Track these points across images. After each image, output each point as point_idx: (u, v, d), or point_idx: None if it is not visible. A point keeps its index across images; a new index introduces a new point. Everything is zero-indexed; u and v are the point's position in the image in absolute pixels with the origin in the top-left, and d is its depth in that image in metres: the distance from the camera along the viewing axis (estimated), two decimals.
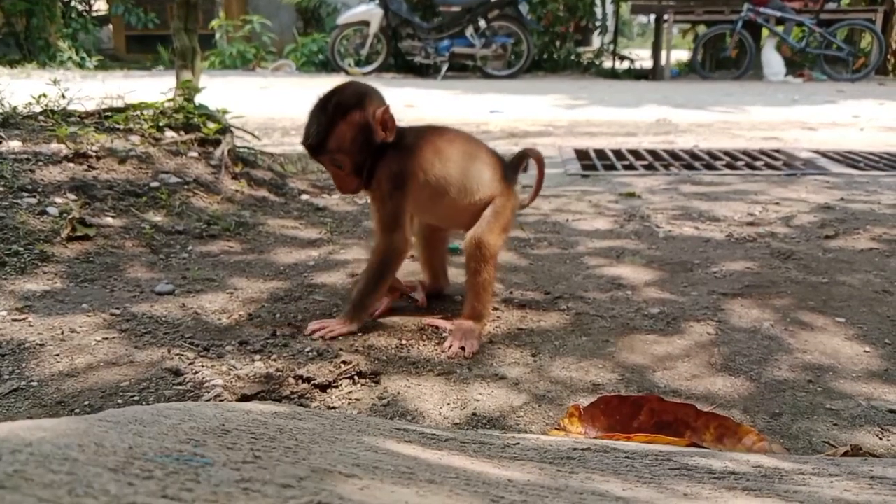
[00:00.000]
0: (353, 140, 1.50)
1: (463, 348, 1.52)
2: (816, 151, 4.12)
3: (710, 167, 3.72)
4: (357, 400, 1.33)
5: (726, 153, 4.09)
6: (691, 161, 3.87)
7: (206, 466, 0.53)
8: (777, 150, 4.18)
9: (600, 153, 4.14)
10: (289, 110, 5.91)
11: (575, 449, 0.88)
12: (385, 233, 1.56)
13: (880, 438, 1.18)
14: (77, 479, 0.46)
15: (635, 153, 4.12)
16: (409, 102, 6.64)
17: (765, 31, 10.06)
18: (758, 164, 3.79)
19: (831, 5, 9.85)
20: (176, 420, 0.67)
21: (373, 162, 1.54)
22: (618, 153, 4.13)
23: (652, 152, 4.13)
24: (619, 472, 0.75)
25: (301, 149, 3.75)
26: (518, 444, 0.89)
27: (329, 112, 1.50)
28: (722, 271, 2.02)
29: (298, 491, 0.51)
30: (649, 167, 3.75)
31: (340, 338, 1.55)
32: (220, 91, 5.97)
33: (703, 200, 2.92)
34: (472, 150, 1.62)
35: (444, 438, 0.86)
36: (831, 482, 0.75)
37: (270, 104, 6.38)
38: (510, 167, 1.68)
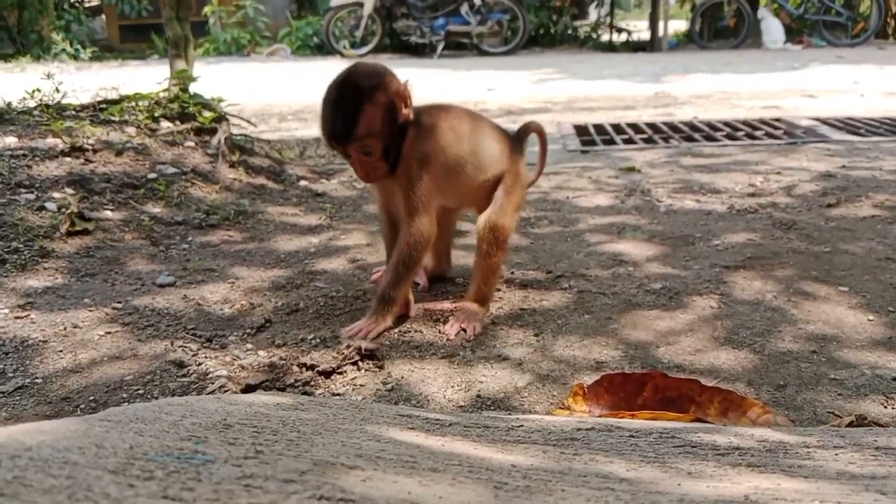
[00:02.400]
0: (382, 122, 1.44)
1: (465, 330, 1.51)
2: (817, 119, 4.09)
3: (710, 139, 3.70)
4: (361, 385, 1.33)
5: (726, 124, 4.06)
6: (691, 133, 3.85)
7: (207, 464, 0.53)
8: (777, 120, 4.15)
9: (599, 128, 4.11)
10: (284, 95, 5.87)
11: (579, 429, 0.88)
12: (414, 218, 1.50)
13: (885, 407, 1.18)
14: (77, 482, 0.45)
15: (635, 127, 4.09)
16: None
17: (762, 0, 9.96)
18: (758, 133, 3.77)
19: None
20: (177, 416, 0.67)
21: (398, 144, 1.48)
22: (617, 127, 4.11)
23: (651, 125, 4.11)
24: (622, 451, 0.75)
25: (298, 134, 3.74)
26: (522, 426, 0.89)
27: (352, 97, 1.42)
28: (724, 244, 2.01)
29: (300, 486, 0.51)
30: (649, 141, 3.73)
31: (380, 335, 1.50)
32: (214, 79, 5.93)
33: (704, 173, 2.90)
34: (480, 126, 1.61)
35: (447, 423, 0.86)
36: (836, 455, 0.75)
37: (266, 89, 6.34)
38: (516, 140, 1.66)
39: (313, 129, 4.00)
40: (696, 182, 2.74)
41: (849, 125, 3.86)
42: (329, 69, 8.24)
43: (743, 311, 1.57)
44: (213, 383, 1.30)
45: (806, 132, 3.74)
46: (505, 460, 0.65)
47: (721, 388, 1.18)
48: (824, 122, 4.01)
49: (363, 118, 1.41)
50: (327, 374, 1.36)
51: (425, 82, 6.70)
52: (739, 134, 3.78)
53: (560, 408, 1.20)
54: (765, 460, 0.71)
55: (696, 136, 3.78)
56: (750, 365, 1.35)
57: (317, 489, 0.51)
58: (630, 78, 6.65)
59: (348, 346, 1.41)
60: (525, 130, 1.70)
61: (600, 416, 1.12)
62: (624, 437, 0.84)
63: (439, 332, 1.53)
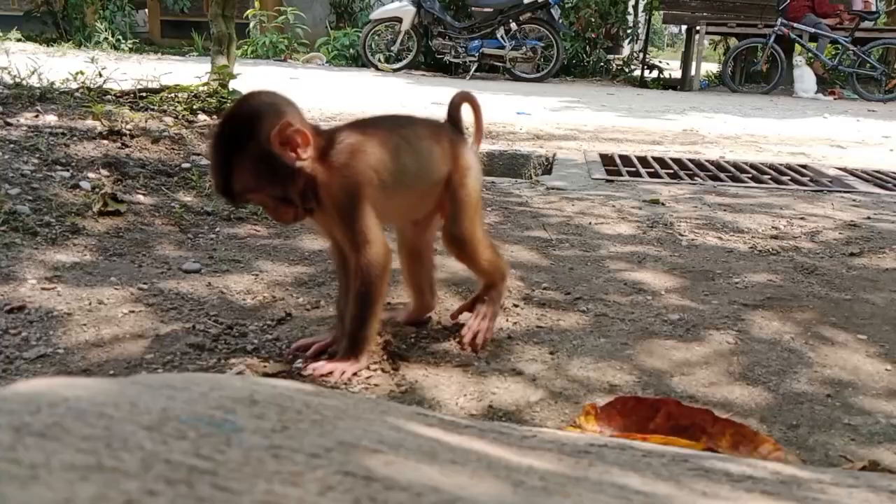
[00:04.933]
0: (260, 174, 1.25)
1: (477, 333, 1.52)
2: (844, 169, 4.08)
3: (735, 179, 3.70)
4: (376, 385, 1.34)
5: (752, 166, 4.06)
6: (717, 172, 3.85)
7: (237, 432, 0.54)
8: (804, 166, 4.14)
9: (625, 159, 4.13)
10: (318, 101, 5.94)
11: (592, 444, 0.88)
12: (361, 249, 1.34)
13: None
14: (113, 434, 0.47)
15: (661, 161, 4.10)
16: (438, 100, 6.65)
17: (797, 47, 9.96)
18: (784, 178, 3.77)
19: (866, 24, 9.73)
20: (206, 388, 0.68)
21: (305, 183, 1.29)
22: (643, 160, 4.12)
23: (677, 161, 4.11)
24: (637, 468, 0.75)
25: None
26: (535, 436, 0.90)
27: (222, 150, 1.24)
28: (744, 282, 2.01)
29: (326, 461, 0.53)
30: (674, 176, 3.73)
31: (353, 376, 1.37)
32: (251, 79, 6.01)
33: (728, 212, 2.90)
34: (412, 131, 1.45)
35: (463, 425, 0.87)
36: (850, 493, 0.75)
37: (300, 95, 6.42)
38: (452, 126, 1.53)
39: None
40: (720, 220, 2.74)
41: (876, 178, 3.85)
42: (363, 80, 8.34)
43: (760, 350, 1.57)
44: (231, 370, 1.32)
45: (832, 181, 3.73)
46: (522, 462, 0.66)
47: (734, 421, 1.18)
48: (851, 172, 3.99)
49: (237, 174, 1.24)
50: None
51: None
52: (765, 177, 3.78)
53: (571, 425, 1.21)
54: (779, 490, 0.72)
55: (722, 175, 3.78)
56: (763, 402, 1.34)
57: (342, 466, 0.52)
58: (659, 114, 6.67)
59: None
60: (455, 106, 1.56)
61: (612, 437, 1.13)
62: (637, 455, 0.85)
63: (454, 341, 1.54)
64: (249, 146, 1.23)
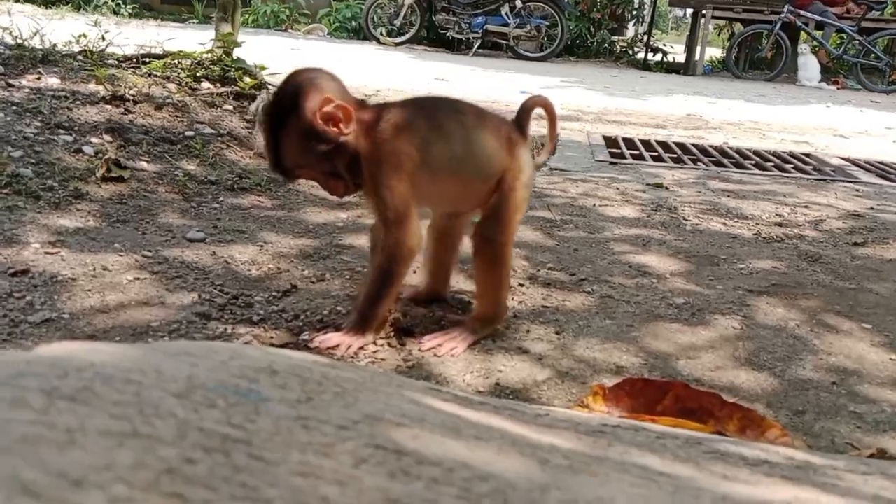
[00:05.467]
0: (305, 151, 1.28)
1: (440, 346, 1.39)
2: (847, 159, 4.07)
3: (739, 166, 3.68)
4: (382, 360, 1.34)
5: (756, 153, 4.05)
6: (721, 158, 3.84)
7: (264, 402, 0.54)
8: (807, 155, 4.13)
9: (629, 142, 4.11)
10: None
11: (605, 425, 0.88)
12: (392, 228, 1.34)
13: None
14: (143, 400, 0.46)
15: (664, 145, 4.09)
16: (441, 76, 6.60)
17: (802, 35, 9.90)
18: (787, 166, 3.76)
19: (874, 14, 9.67)
20: (225, 357, 0.68)
21: (349, 158, 1.31)
22: (647, 143, 4.10)
23: (681, 146, 4.10)
24: (653, 449, 0.75)
25: None
26: (548, 414, 0.90)
27: (270, 128, 1.29)
28: (748, 268, 2.01)
29: (354, 433, 0.52)
30: (678, 160, 3.72)
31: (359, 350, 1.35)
32: (252, 49, 5.94)
33: (732, 198, 2.89)
34: (470, 120, 1.41)
35: (477, 402, 0.87)
36: (865, 480, 0.75)
37: (300, 65, 6.36)
38: (516, 127, 1.47)
39: None
40: (724, 206, 2.73)
41: (879, 168, 3.84)
42: (365, 54, 8.26)
43: (765, 336, 1.57)
44: (237, 340, 1.32)
45: (836, 171, 3.72)
46: (542, 440, 0.66)
47: (741, 405, 1.18)
48: (854, 162, 3.99)
49: (285, 151, 1.29)
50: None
51: (460, 77, 6.71)
52: (769, 164, 3.77)
53: (579, 405, 1.21)
54: (797, 475, 0.72)
55: (726, 161, 3.77)
56: (769, 388, 1.35)
57: (371, 439, 0.52)
58: (663, 97, 6.64)
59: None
60: (526, 109, 1.48)
61: (621, 418, 1.13)
62: (651, 437, 0.85)
63: (462, 317, 1.53)
64: (294, 123, 1.26)
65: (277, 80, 3.02)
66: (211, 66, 2.85)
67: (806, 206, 2.82)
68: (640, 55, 11.16)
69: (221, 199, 2.12)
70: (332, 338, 1.35)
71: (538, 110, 1.52)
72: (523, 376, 1.32)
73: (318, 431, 0.50)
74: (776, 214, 2.65)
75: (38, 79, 2.39)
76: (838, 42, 9.96)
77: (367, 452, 0.48)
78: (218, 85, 2.79)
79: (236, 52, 3.03)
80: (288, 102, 1.27)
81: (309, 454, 0.45)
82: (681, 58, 11.26)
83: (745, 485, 0.64)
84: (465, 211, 1.51)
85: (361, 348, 1.35)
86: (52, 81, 2.39)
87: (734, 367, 1.42)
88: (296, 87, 1.28)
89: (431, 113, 1.39)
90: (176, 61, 2.83)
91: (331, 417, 0.54)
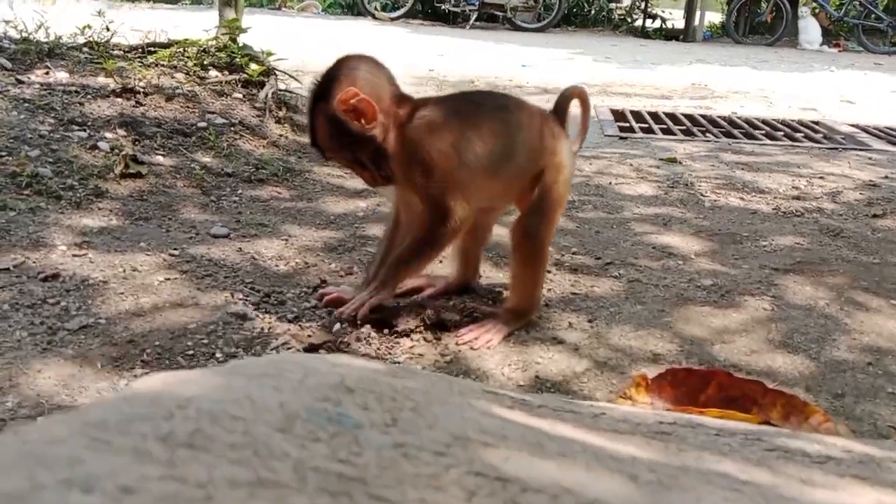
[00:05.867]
0: (332, 137, 1.32)
1: (476, 339, 1.39)
2: (856, 126, 4.05)
3: (749, 136, 3.67)
4: (420, 355, 1.34)
5: (765, 122, 4.03)
6: (730, 129, 3.82)
7: (358, 429, 0.54)
8: (816, 123, 4.11)
9: (637, 115, 4.08)
10: (313, 53, 5.83)
11: (661, 422, 0.88)
12: (440, 210, 1.35)
13: None
14: (255, 440, 0.46)
15: (673, 117, 4.06)
16: (441, 51, 6.54)
17: None
18: (798, 135, 3.74)
19: None
20: (298, 375, 0.68)
21: (375, 151, 1.33)
22: (655, 116, 4.07)
23: (690, 117, 4.07)
24: (720, 450, 0.75)
25: None
26: (605, 413, 0.90)
27: (309, 107, 1.33)
28: (771, 245, 2.01)
29: (452, 459, 0.52)
30: (687, 133, 3.70)
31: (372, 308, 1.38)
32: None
33: (746, 171, 2.88)
34: (514, 117, 1.40)
35: (536, 405, 0.87)
36: None
37: (294, 46, 6.29)
38: (556, 119, 1.47)
39: None
40: (739, 180, 2.72)
41: (889, 135, 3.83)
42: (360, 30, 8.16)
43: (796, 316, 1.57)
44: (276, 339, 1.32)
45: (846, 138, 3.70)
46: (621, 450, 0.66)
47: (784, 392, 1.18)
48: (864, 129, 3.97)
49: (318, 131, 1.33)
50: (387, 340, 1.37)
51: (459, 52, 6.65)
52: (779, 134, 3.75)
53: (622, 397, 1.21)
54: (866, 472, 0.72)
55: (736, 132, 3.75)
56: (807, 371, 1.35)
57: (469, 465, 0.52)
58: (665, 66, 6.58)
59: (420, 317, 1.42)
60: (565, 98, 1.50)
61: (666, 410, 1.13)
62: (710, 435, 0.85)
63: (494, 308, 1.53)
64: (323, 108, 1.30)
65: (285, 66, 3.01)
66: (217, 54, 2.82)
67: (821, 178, 2.81)
68: (638, 22, 11.04)
69: (240, 191, 2.11)
70: (356, 300, 1.40)
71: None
72: (562, 368, 1.32)
73: (419, 461, 0.50)
74: (793, 187, 2.64)
75: (47, 73, 2.36)
76: (838, 4, 9.86)
77: (473, 482, 0.48)
78: (225, 72, 2.76)
79: (243, 38, 2.99)
80: (322, 89, 1.31)
81: (421, 489, 0.45)
82: (679, 23, 11.13)
83: (825, 489, 0.64)
84: (501, 207, 1.51)
85: (380, 303, 1.39)
86: (61, 76, 2.37)
87: (769, 350, 1.42)
88: (332, 75, 1.31)
89: (471, 110, 1.38)
90: (182, 50, 2.80)
91: (423, 442, 0.54)
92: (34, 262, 1.53)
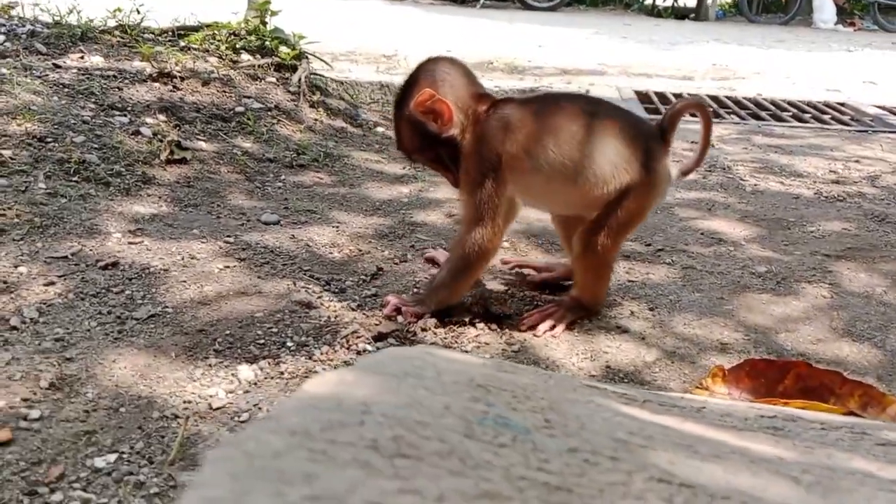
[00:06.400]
0: (412, 138, 1.37)
1: (536, 325, 1.38)
2: (883, 107, 4.02)
3: (777, 118, 3.64)
4: (486, 344, 1.34)
5: (791, 104, 4.00)
6: (757, 111, 3.79)
7: (528, 434, 0.53)
8: (842, 104, 4.07)
9: (661, 97, 4.05)
10: (333, 35, 5.78)
11: (762, 416, 0.88)
12: (472, 227, 1.34)
13: None
14: (453, 448, 0.46)
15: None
16: (455, 32, 6.48)
17: None
18: (825, 117, 3.71)
19: None
20: (432, 373, 0.67)
21: (452, 151, 1.35)
22: (679, 98, 4.04)
23: (715, 99, 4.04)
24: (847, 448, 0.75)
25: (354, 76, 3.68)
26: (705, 407, 0.90)
27: (393, 110, 1.41)
28: (819, 231, 1.99)
29: (627, 465, 0.52)
30: (715, 115, 3.67)
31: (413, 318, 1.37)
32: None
33: (781, 154, 2.86)
34: (601, 124, 1.33)
35: (641, 400, 0.86)
36: None
37: (311, 27, 6.24)
38: (656, 135, 1.36)
39: (369, 73, 3.94)
40: (776, 163, 2.70)
41: None
42: (370, 9, 8.09)
43: (856, 304, 1.56)
44: (346, 328, 1.31)
45: (874, 120, 3.67)
46: (765, 451, 0.66)
47: (861, 382, 1.18)
48: (891, 111, 3.93)
49: (401, 134, 1.40)
50: (452, 329, 1.36)
51: (470, 33, 6.59)
52: (806, 116, 3.72)
53: (698, 387, 1.21)
54: None
55: (763, 114, 3.72)
56: (875, 360, 1.35)
57: (644, 470, 0.51)
58: (683, 46, 6.53)
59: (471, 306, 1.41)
60: (676, 114, 1.36)
61: (750, 401, 1.13)
62: (817, 429, 0.85)
63: (554, 298, 1.53)
64: (403, 110, 1.35)
65: (315, 48, 2.98)
66: (247, 37, 2.80)
67: (857, 161, 2.79)
68: (649, 0, 10.93)
69: (283, 177, 2.10)
70: (399, 299, 1.40)
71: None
72: (632, 357, 1.32)
73: (601, 467, 0.49)
74: (830, 171, 2.62)
75: (82, 58, 2.34)
76: None
77: (665, 490, 0.48)
78: (257, 56, 2.74)
79: (275, 21, 2.96)
80: (403, 90, 1.37)
81: (631, 500, 0.44)
82: (691, 2, 11.02)
83: None
84: (579, 213, 1.43)
85: (419, 317, 1.37)
86: (96, 60, 2.34)
87: (834, 339, 1.42)
88: (413, 77, 1.36)
89: (551, 112, 1.35)
90: (212, 33, 2.77)
91: (593, 446, 0.53)
92: (91, 250, 1.52)
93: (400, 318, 1.37)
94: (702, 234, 1.94)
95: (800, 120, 3.63)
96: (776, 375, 1.19)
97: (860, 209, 2.20)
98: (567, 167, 1.32)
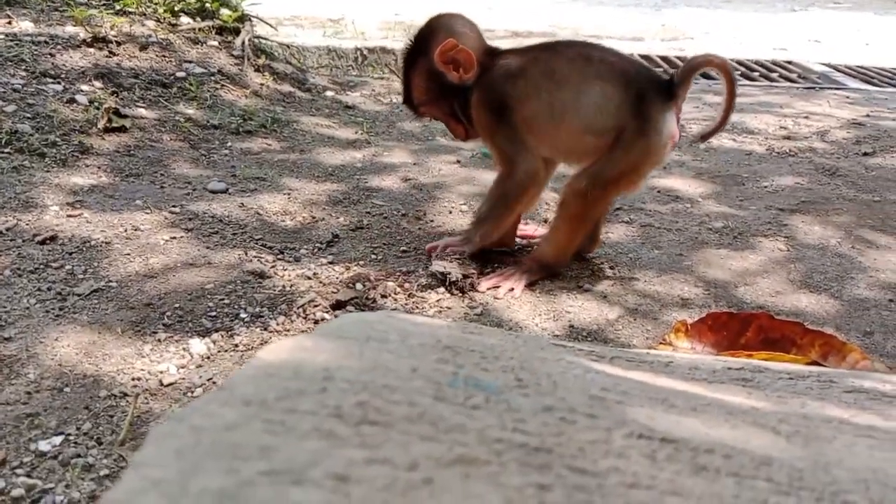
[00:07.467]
0: (427, 90, 1.39)
1: (497, 287, 1.37)
2: (829, 65, 4.08)
3: None
4: (448, 308, 1.31)
5: (740, 63, 4.02)
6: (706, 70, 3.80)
7: (501, 393, 0.50)
8: (789, 62, 4.12)
9: None
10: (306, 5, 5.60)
11: (730, 368, 0.87)
12: (504, 165, 1.37)
13: None
14: (424, 412, 0.42)
15: (648, 59, 4.02)
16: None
17: None
18: (773, 75, 3.75)
19: None
20: (397, 337, 0.64)
21: (465, 102, 1.37)
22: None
23: (665, 59, 4.04)
24: (818, 396, 0.74)
25: (300, 41, 3.57)
26: (672, 361, 0.88)
27: (403, 64, 1.42)
28: (773, 185, 2.01)
29: (605, 421, 0.49)
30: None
31: (457, 254, 1.42)
32: None
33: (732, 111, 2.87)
34: (592, 69, 1.30)
35: (608, 357, 0.84)
36: None
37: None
38: (658, 85, 1.30)
39: (316, 37, 3.83)
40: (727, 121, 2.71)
41: (862, 74, 3.86)
42: None
43: (812, 256, 1.58)
44: (302, 297, 1.27)
45: (821, 77, 3.73)
46: (736, 401, 0.64)
47: (822, 332, 1.19)
48: (836, 68, 4.00)
49: (412, 87, 1.40)
50: (412, 294, 1.33)
51: None
52: (755, 74, 3.75)
53: (661, 343, 1.20)
54: None
55: (713, 73, 3.73)
56: (833, 310, 1.36)
57: (624, 426, 0.49)
58: (633, 6, 6.52)
59: (434, 272, 1.38)
60: (692, 69, 1.30)
61: (714, 354, 1.12)
62: (785, 379, 0.84)
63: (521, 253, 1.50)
64: (421, 62, 1.36)
65: (258, 11, 2.87)
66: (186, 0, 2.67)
67: (806, 117, 2.82)
68: None
69: (229, 143, 2.02)
70: (440, 242, 1.46)
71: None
72: (594, 316, 1.30)
73: (579, 425, 0.47)
74: (780, 127, 2.65)
75: (10, 23, 2.20)
76: None
77: (646, 446, 0.45)
78: (198, 19, 2.62)
79: None
80: (419, 43, 1.37)
81: (612, 458, 0.42)
82: None
83: None
84: (575, 163, 1.40)
85: (465, 251, 1.43)
86: (26, 25, 2.21)
87: (793, 290, 1.43)
88: (429, 29, 1.37)
89: (549, 58, 1.34)
90: None
91: (569, 403, 0.51)
92: (27, 225, 1.44)
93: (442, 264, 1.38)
94: (658, 191, 1.93)
95: (749, 78, 3.66)
96: (738, 328, 1.19)
97: (811, 163, 2.22)
98: (558, 112, 1.32)
